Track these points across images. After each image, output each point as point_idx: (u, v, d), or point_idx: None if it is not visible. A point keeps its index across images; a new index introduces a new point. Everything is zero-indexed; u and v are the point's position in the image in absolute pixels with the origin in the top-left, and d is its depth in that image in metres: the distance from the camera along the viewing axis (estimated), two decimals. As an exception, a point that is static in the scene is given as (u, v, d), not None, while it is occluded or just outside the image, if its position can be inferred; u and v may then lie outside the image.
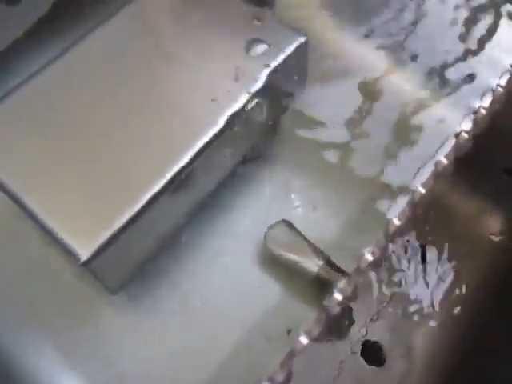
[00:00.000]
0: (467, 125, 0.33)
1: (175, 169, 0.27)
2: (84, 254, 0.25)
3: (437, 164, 0.29)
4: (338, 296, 0.23)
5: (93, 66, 0.29)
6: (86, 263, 0.25)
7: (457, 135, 0.32)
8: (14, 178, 0.26)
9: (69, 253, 0.25)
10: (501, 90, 0.34)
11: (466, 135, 0.33)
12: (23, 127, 0.27)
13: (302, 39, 0.30)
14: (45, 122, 0.28)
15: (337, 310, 0.23)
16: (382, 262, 0.27)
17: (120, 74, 0.29)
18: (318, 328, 0.21)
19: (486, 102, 0.34)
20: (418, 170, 0.29)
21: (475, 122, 0.33)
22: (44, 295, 0.32)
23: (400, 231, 0.28)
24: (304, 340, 0.21)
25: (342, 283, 0.24)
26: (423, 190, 0.28)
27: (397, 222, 0.27)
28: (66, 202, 0.26)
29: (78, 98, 0.28)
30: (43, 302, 0.32)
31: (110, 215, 0.25)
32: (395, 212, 0.28)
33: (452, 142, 0.31)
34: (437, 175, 0.29)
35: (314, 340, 0.21)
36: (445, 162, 0.29)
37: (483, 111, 0.34)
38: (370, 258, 0.26)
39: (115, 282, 0.31)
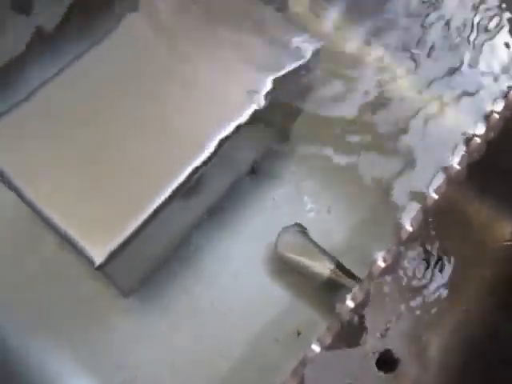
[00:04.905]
0: (480, 130, 0.33)
1: (184, 175, 0.27)
2: (98, 258, 0.25)
3: (450, 170, 0.29)
4: (350, 303, 0.23)
5: (102, 75, 0.29)
6: (101, 267, 0.25)
7: (469, 140, 0.32)
8: (30, 185, 0.26)
9: (84, 257, 0.25)
10: (514, 94, 0.34)
11: (478, 140, 0.32)
12: (38, 136, 0.28)
13: (318, 44, 0.30)
14: (60, 129, 0.28)
15: (349, 317, 0.23)
16: (394, 268, 0.27)
17: (128, 83, 0.29)
18: (330, 336, 0.21)
19: (499, 106, 0.34)
20: (432, 176, 0.29)
21: (488, 127, 0.33)
22: (57, 298, 0.33)
23: (412, 237, 0.28)
24: (316, 348, 0.21)
25: (354, 290, 0.24)
26: (436, 196, 0.28)
27: (409, 228, 0.27)
28: (81, 208, 0.26)
29: (89, 108, 0.28)
30: (56, 305, 0.32)
31: (123, 220, 0.26)
32: (408, 218, 0.27)
33: (464, 147, 0.31)
34: (450, 181, 0.29)
35: (326, 348, 0.21)
36: (457, 167, 0.29)
37: (496, 116, 0.34)
38: (382, 264, 0.26)
39: (128, 285, 0.31)
